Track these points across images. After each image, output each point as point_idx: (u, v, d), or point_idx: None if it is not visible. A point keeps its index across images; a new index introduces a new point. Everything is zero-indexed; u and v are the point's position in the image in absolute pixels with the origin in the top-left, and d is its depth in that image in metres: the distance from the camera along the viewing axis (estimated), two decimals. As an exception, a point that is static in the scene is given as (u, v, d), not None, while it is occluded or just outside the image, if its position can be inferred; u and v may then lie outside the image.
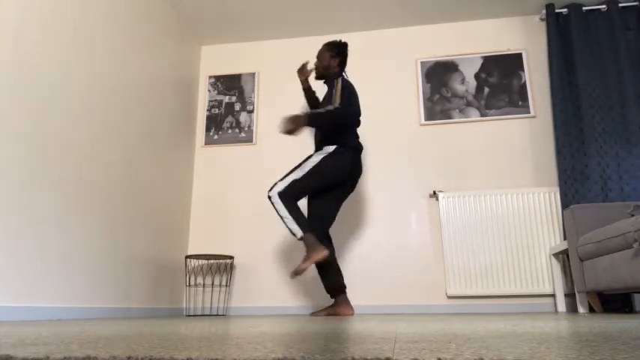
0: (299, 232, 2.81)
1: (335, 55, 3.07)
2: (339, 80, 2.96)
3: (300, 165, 2.90)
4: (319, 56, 3.11)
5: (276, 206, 2.86)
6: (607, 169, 3.32)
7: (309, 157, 2.92)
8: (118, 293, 2.84)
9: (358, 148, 2.95)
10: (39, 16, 2.28)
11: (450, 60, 3.89)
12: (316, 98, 3.27)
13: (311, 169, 2.85)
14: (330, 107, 2.84)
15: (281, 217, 2.86)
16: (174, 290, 3.56)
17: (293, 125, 2.73)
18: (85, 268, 2.55)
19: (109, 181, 2.80)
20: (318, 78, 3.12)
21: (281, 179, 2.87)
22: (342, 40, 3.15)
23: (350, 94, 2.94)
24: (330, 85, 2.99)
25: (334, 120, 2.85)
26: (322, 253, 2.69)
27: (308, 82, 3.23)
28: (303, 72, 3.19)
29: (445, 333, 0.98)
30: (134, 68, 3.13)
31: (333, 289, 2.86)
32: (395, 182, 3.69)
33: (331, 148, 2.89)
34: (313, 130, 3.10)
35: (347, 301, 2.87)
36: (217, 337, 0.92)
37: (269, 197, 2.89)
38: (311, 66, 3.50)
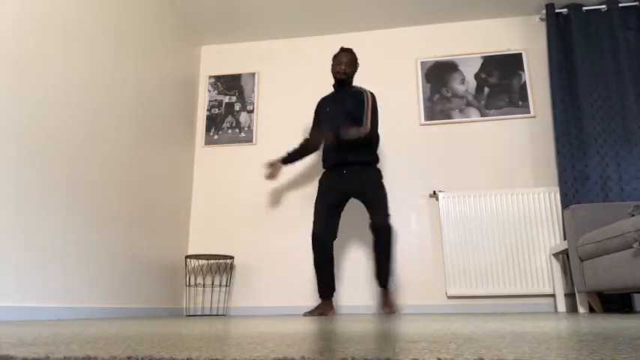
0: (392, 282, 2.87)
1: (357, 66, 3.19)
2: (370, 97, 2.98)
3: (379, 190, 2.92)
4: (351, 62, 3.10)
5: (392, 242, 2.83)
6: (607, 169, 3.32)
7: (372, 176, 2.94)
8: (118, 293, 2.84)
9: None
10: (38, 16, 2.28)
11: (450, 60, 3.89)
12: (298, 151, 3.31)
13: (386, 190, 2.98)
14: (360, 133, 2.87)
15: (391, 257, 2.82)
16: (174, 290, 3.56)
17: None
18: (85, 268, 2.55)
19: (109, 181, 2.80)
20: (339, 80, 3.08)
21: (385, 209, 2.86)
22: None
23: (377, 115, 3.01)
24: (351, 92, 3.02)
25: (359, 142, 2.91)
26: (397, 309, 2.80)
27: (282, 164, 3.31)
28: (272, 173, 3.28)
29: (445, 333, 0.98)
30: (134, 68, 3.13)
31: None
32: (395, 182, 3.69)
33: (378, 166, 3.04)
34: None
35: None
36: (217, 337, 0.91)
37: (389, 229, 2.80)
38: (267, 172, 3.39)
